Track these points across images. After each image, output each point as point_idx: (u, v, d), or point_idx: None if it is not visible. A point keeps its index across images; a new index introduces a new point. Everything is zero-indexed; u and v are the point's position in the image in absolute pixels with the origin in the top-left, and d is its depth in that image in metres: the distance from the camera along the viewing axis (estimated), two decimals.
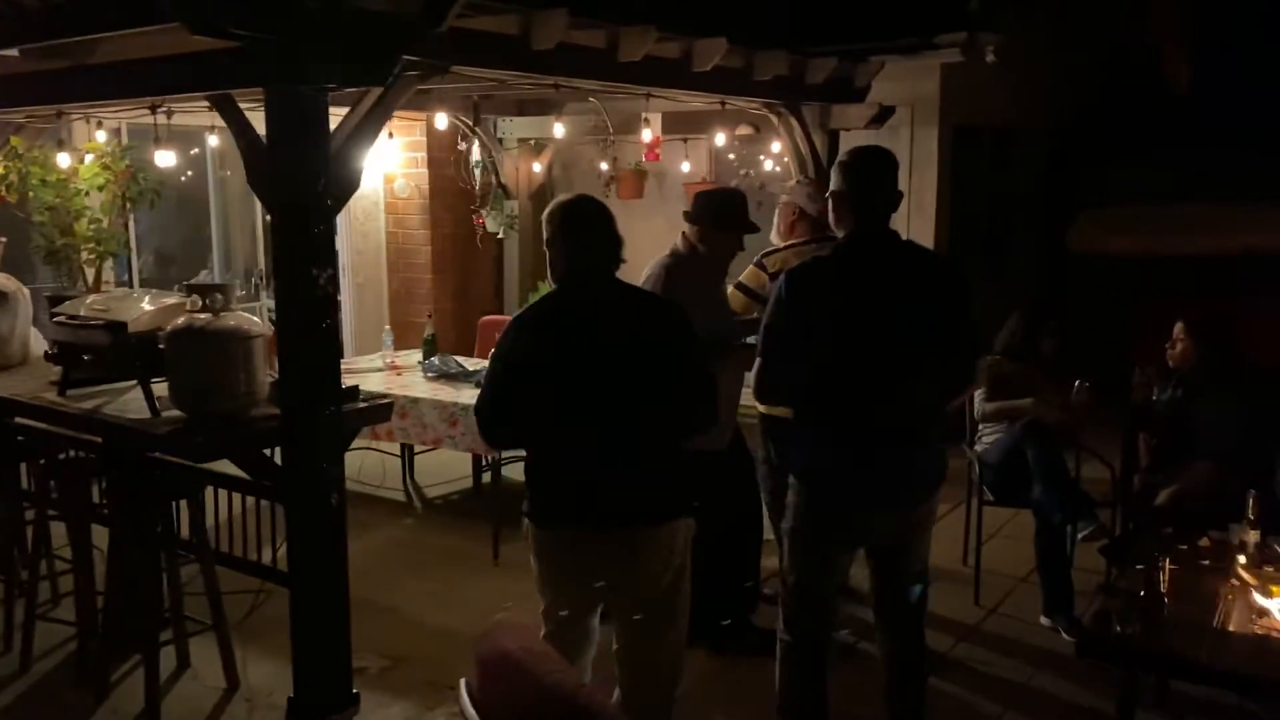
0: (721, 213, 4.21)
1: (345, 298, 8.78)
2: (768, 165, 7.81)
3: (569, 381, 2.91)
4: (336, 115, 3.66)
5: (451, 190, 8.39)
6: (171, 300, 3.96)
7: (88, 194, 6.19)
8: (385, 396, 4.55)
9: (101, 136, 6.25)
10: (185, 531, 4.11)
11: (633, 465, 2.92)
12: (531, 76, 4.93)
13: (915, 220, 7.56)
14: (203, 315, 3.69)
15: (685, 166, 7.72)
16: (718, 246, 4.21)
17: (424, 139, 8.28)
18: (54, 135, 6.03)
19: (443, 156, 8.29)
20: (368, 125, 3.78)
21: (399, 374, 6.02)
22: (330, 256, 3.65)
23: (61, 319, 4.02)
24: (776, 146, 6.81)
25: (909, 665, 3.39)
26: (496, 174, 7.89)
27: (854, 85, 6.33)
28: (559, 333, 2.95)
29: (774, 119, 6.22)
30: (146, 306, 3.91)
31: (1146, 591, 3.05)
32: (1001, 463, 4.75)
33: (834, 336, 3.08)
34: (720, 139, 6.28)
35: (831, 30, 6.04)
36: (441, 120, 7.29)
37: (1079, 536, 4.90)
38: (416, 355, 6.25)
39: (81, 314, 4.00)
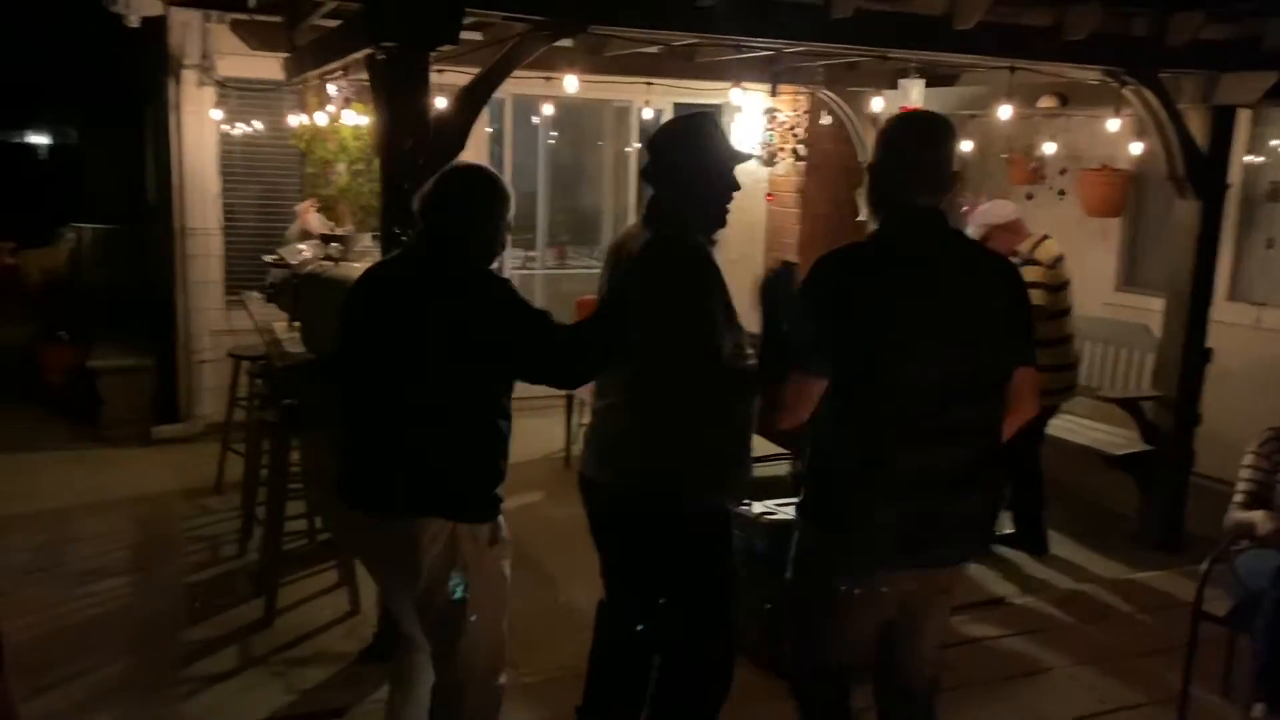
0: None
1: None
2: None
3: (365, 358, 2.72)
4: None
5: (829, 167, 7.93)
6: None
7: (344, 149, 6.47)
8: None
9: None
10: None
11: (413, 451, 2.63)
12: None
13: None
14: (327, 262, 3.91)
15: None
16: None
17: (803, 116, 7.91)
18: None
19: (822, 132, 7.86)
20: (478, 88, 3.70)
21: None
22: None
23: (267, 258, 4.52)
24: (1115, 124, 5.43)
25: None
26: (861, 151, 7.29)
27: (1257, 47, 4.83)
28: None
29: (1125, 92, 4.96)
30: (307, 253, 4.24)
31: None
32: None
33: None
34: (1005, 111, 5.06)
35: None
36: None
37: None
38: None
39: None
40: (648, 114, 7.12)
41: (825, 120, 7.45)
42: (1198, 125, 5.05)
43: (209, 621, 4.22)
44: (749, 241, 8.59)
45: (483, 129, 7.65)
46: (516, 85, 6.48)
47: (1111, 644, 4.21)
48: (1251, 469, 3.59)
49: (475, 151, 7.52)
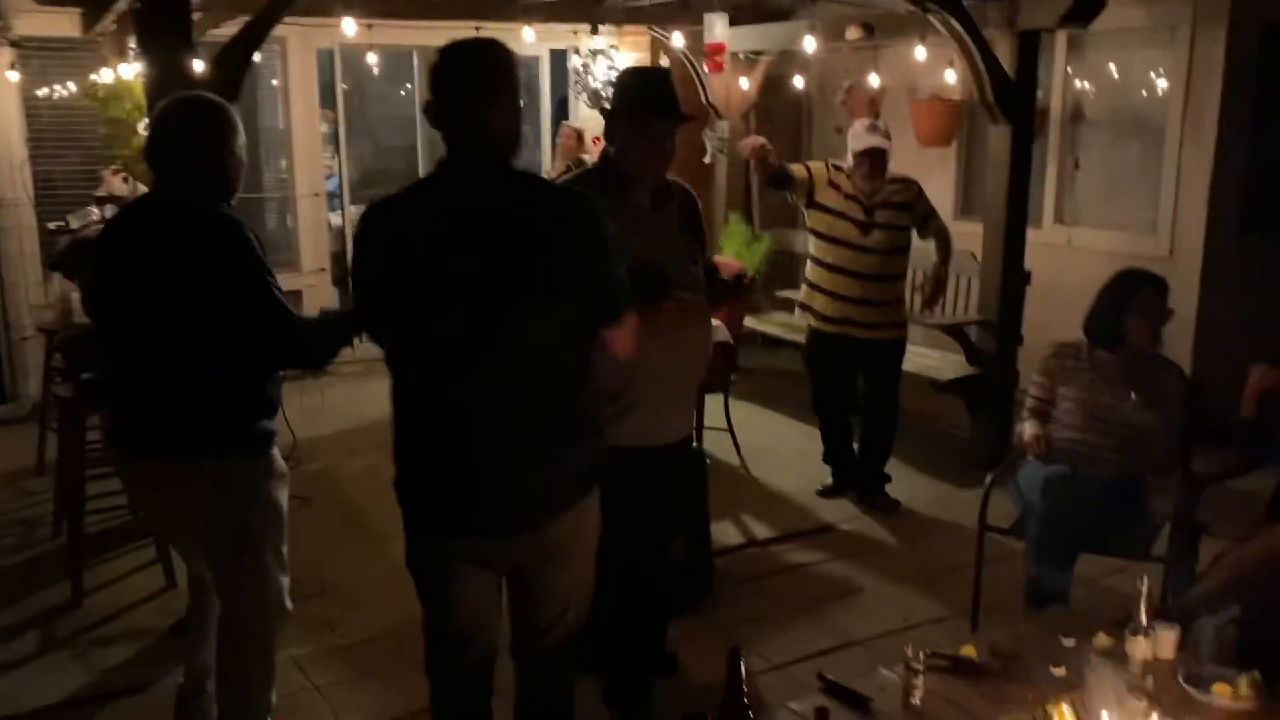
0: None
1: None
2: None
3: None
4: None
5: None
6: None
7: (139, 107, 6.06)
8: None
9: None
10: None
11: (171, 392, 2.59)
12: None
13: (1189, 151, 5.82)
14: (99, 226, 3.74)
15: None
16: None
17: (648, 57, 7.83)
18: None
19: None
20: (244, 39, 3.56)
21: None
22: None
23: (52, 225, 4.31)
24: (922, 53, 5.50)
25: None
26: (704, 92, 7.24)
27: None
28: None
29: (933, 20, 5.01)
30: (95, 218, 4.05)
31: None
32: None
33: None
34: (810, 44, 5.08)
35: None
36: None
37: None
38: None
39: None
40: None
41: (664, 62, 7.39)
42: (1005, 51, 5.14)
43: (14, 606, 4.04)
44: None
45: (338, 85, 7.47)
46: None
47: (926, 562, 4.34)
48: (1036, 385, 3.69)
49: (308, 107, 7.35)
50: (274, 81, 7.43)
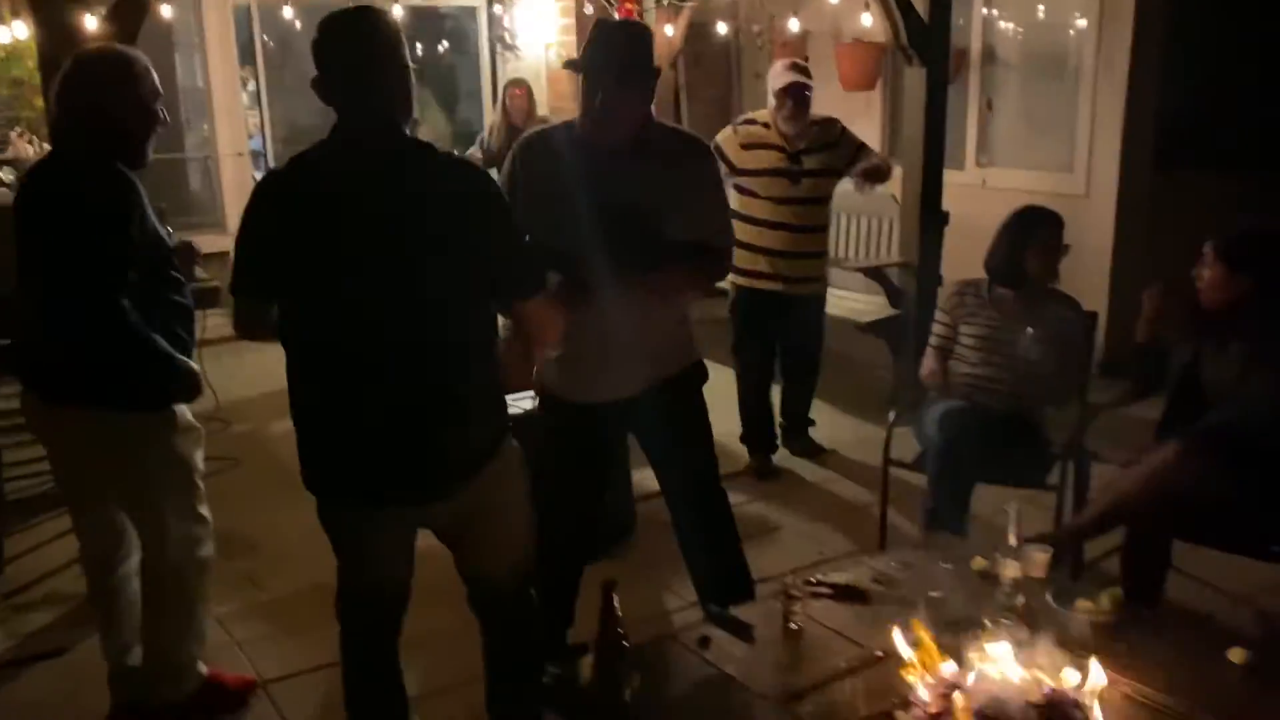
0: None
1: None
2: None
3: None
4: None
5: None
6: None
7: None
8: None
9: None
10: None
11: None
12: None
13: (1103, 91, 5.91)
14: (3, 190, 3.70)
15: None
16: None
17: (573, 4, 7.78)
18: None
19: (586, 23, 7.76)
20: None
21: None
22: None
23: None
24: None
25: None
26: None
27: None
28: None
29: None
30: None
31: None
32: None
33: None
34: None
35: None
36: None
37: None
38: None
39: None
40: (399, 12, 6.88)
41: (588, 10, 7.34)
42: None
43: None
44: None
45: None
46: None
47: (843, 499, 4.46)
48: (938, 323, 3.78)
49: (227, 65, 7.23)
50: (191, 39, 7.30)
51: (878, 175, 4.74)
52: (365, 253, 2.12)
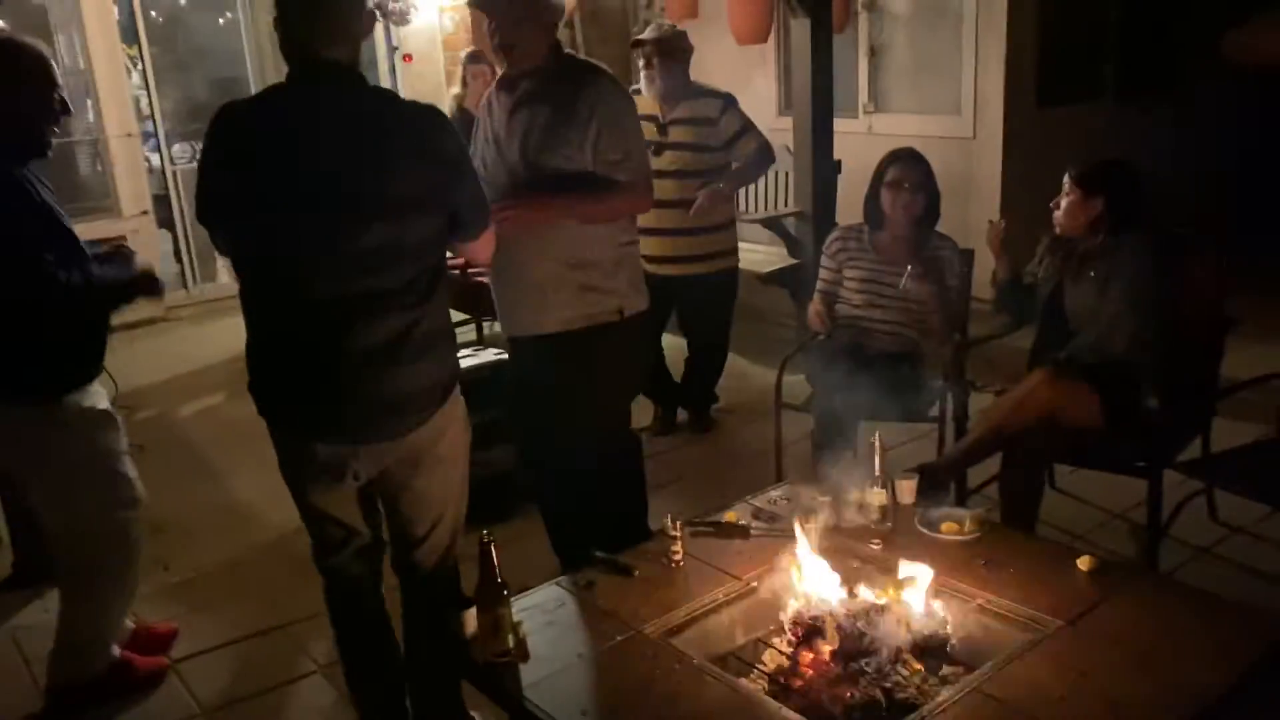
0: None
1: None
2: None
3: None
4: None
5: None
6: None
7: None
8: None
9: None
10: None
11: None
12: None
13: (985, 33, 6.05)
14: None
15: None
16: None
17: None
18: None
19: None
20: None
21: None
22: None
23: None
24: None
25: None
26: None
27: None
28: None
29: None
30: None
31: None
32: None
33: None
34: None
35: None
36: None
37: None
38: None
39: None
40: None
41: None
42: None
43: None
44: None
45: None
46: None
47: (744, 446, 4.57)
48: (823, 268, 3.89)
49: (109, 43, 7.02)
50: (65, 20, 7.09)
51: (704, 209, 4.34)
52: (316, 192, 2.14)
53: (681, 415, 4.91)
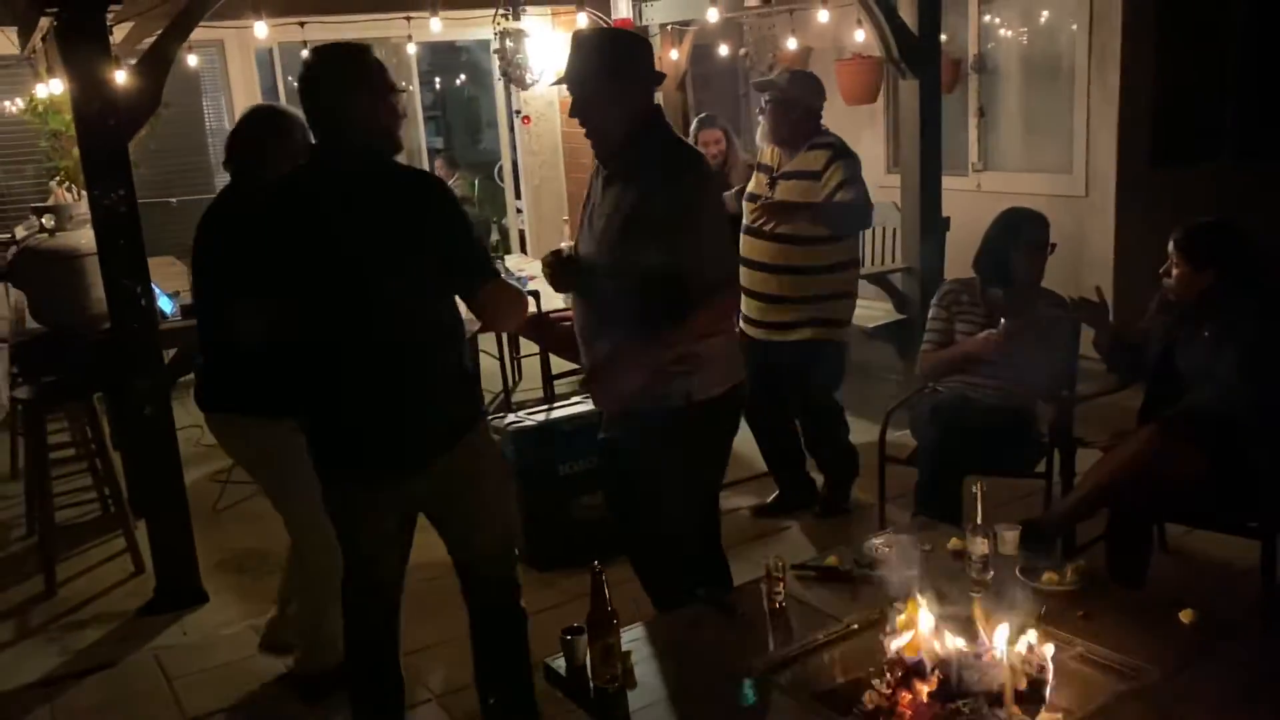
0: None
1: (523, 200, 8.93)
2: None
3: None
4: None
5: None
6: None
7: None
8: None
9: None
10: None
11: None
12: None
13: (1096, 92, 6.05)
14: (41, 234, 3.96)
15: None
16: None
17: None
18: None
19: None
20: (161, 46, 3.76)
21: None
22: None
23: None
24: (825, 15, 5.71)
25: None
26: None
27: None
28: None
29: None
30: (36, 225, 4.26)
31: None
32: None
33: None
34: (713, 15, 5.27)
35: None
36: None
37: None
38: None
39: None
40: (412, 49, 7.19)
41: None
42: (907, 8, 5.35)
43: None
44: (551, 166, 8.77)
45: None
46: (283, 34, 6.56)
47: (854, 499, 4.58)
48: (932, 320, 3.94)
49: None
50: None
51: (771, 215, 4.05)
52: (328, 269, 2.41)
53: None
